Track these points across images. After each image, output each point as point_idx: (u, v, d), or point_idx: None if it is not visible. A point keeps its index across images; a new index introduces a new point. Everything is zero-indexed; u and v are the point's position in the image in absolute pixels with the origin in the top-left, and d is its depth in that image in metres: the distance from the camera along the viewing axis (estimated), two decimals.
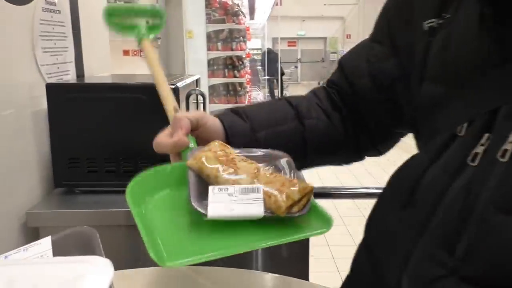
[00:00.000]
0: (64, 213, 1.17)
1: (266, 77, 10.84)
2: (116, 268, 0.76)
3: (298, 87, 16.78)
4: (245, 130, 0.71)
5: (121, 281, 0.68)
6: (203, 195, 0.53)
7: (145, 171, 0.61)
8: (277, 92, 10.56)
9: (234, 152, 0.60)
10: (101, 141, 1.23)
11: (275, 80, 11.07)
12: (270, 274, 0.81)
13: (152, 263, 0.87)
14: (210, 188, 0.53)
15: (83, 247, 0.45)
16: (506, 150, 0.49)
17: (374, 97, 0.75)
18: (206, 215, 0.51)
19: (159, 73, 0.68)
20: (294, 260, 1.31)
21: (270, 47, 11.31)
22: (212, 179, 0.56)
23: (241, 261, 1.24)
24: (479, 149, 0.52)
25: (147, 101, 1.22)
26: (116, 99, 1.23)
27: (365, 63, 0.76)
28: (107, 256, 0.60)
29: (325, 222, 0.56)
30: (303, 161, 0.79)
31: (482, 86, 0.55)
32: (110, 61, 1.88)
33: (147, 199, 0.58)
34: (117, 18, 0.72)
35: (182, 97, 1.30)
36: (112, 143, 1.24)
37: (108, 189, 1.24)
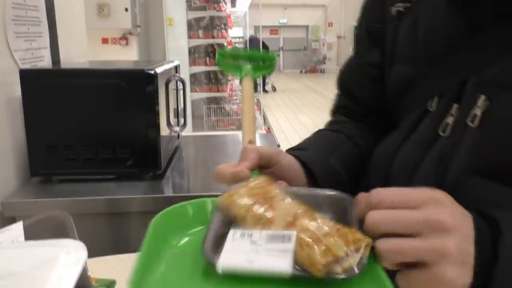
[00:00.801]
0: (41, 202, 1.14)
1: None
2: (96, 255, 0.74)
3: (281, 76, 16.76)
4: (319, 159, 0.66)
5: (101, 267, 0.67)
6: (222, 240, 0.43)
7: (181, 204, 0.52)
8: (259, 80, 10.53)
9: (280, 191, 0.49)
10: (79, 129, 1.21)
11: None
12: None
13: (130, 249, 0.85)
14: (230, 232, 0.44)
15: (56, 231, 0.44)
16: (475, 116, 0.51)
17: (371, 94, 0.73)
18: (216, 266, 0.41)
19: (250, 109, 0.66)
20: None
21: (253, 34, 11.22)
22: (239, 221, 0.46)
23: None
24: (450, 120, 0.54)
25: (126, 88, 1.19)
26: (94, 85, 1.20)
27: (354, 64, 0.76)
28: (86, 244, 0.59)
29: None
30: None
31: (450, 60, 0.57)
32: (88, 48, 1.84)
33: (172, 237, 0.48)
34: (227, 60, 0.77)
35: (161, 83, 1.28)
36: (91, 131, 1.21)
37: (87, 177, 1.22)
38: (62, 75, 1.25)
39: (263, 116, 6.63)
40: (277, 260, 0.40)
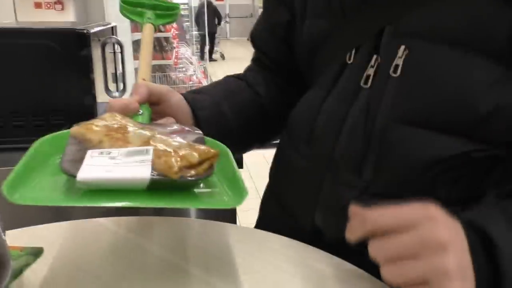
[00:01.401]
0: None
1: (196, 33, 10.57)
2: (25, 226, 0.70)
3: (228, 43, 16.54)
4: (209, 104, 0.68)
5: (31, 236, 0.64)
6: (80, 161, 0.45)
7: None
8: (206, 49, 10.33)
9: (134, 124, 0.53)
10: (6, 94, 1.12)
11: (206, 36, 10.78)
12: (190, 219, 0.79)
13: (70, 218, 0.81)
14: (89, 152, 0.46)
15: None
16: (397, 66, 0.52)
17: (282, 54, 0.73)
18: (75, 178, 0.42)
19: (147, 53, 0.67)
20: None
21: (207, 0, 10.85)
22: (95, 145, 0.48)
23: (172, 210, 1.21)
24: (370, 71, 0.54)
25: (57, 49, 1.11)
26: (21, 46, 1.12)
27: (264, 23, 0.76)
28: (21, 216, 0.58)
29: (237, 194, 0.47)
30: (269, 134, 0.78)
31: (365, 12, 0.57)
32: (17, 13, 1.70)
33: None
34: (130, 7, 0.76)
35: (97, 45, 1.21)
36: (20, 96, 1.13)
37: (18, 146, 1.14)
38: None
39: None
40: (136, 169, 0.43)
